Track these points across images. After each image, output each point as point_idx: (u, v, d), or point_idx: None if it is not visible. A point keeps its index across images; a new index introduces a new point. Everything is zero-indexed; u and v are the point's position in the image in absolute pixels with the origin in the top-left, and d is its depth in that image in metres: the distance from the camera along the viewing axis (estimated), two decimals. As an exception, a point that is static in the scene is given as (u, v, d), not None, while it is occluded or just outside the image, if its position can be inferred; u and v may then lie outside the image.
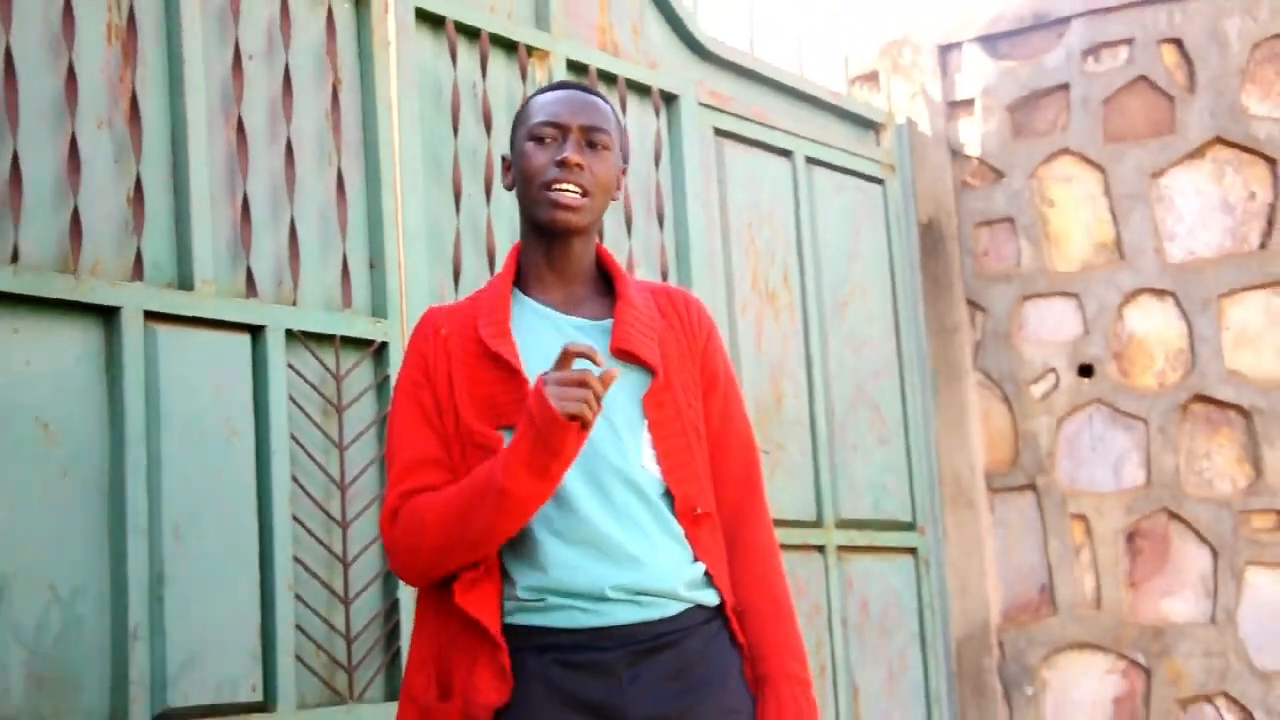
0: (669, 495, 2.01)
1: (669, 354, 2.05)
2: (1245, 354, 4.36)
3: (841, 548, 4.18)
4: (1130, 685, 4.37)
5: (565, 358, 1.82)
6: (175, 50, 2.69)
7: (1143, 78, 4.51)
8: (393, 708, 2.78)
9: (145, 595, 2.45)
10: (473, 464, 1.95)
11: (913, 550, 4.46)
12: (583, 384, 1.79)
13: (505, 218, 3.28)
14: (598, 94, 2.10)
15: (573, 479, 1.95)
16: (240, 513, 2.64)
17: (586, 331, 2.03)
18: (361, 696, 2.78)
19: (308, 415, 2.79)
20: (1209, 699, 4.29)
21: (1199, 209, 4.45)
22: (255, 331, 2.73)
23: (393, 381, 2.88)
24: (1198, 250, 4.43)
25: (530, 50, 3.42)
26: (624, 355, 2.01)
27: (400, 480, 1.98)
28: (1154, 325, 4.46)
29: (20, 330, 2.40)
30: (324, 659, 2.74)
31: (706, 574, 2.01)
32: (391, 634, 2.85)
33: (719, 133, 4.03)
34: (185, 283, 2.64)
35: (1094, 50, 4.58)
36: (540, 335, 2.02)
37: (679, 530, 2.00)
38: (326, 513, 2.79)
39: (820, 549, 4.10)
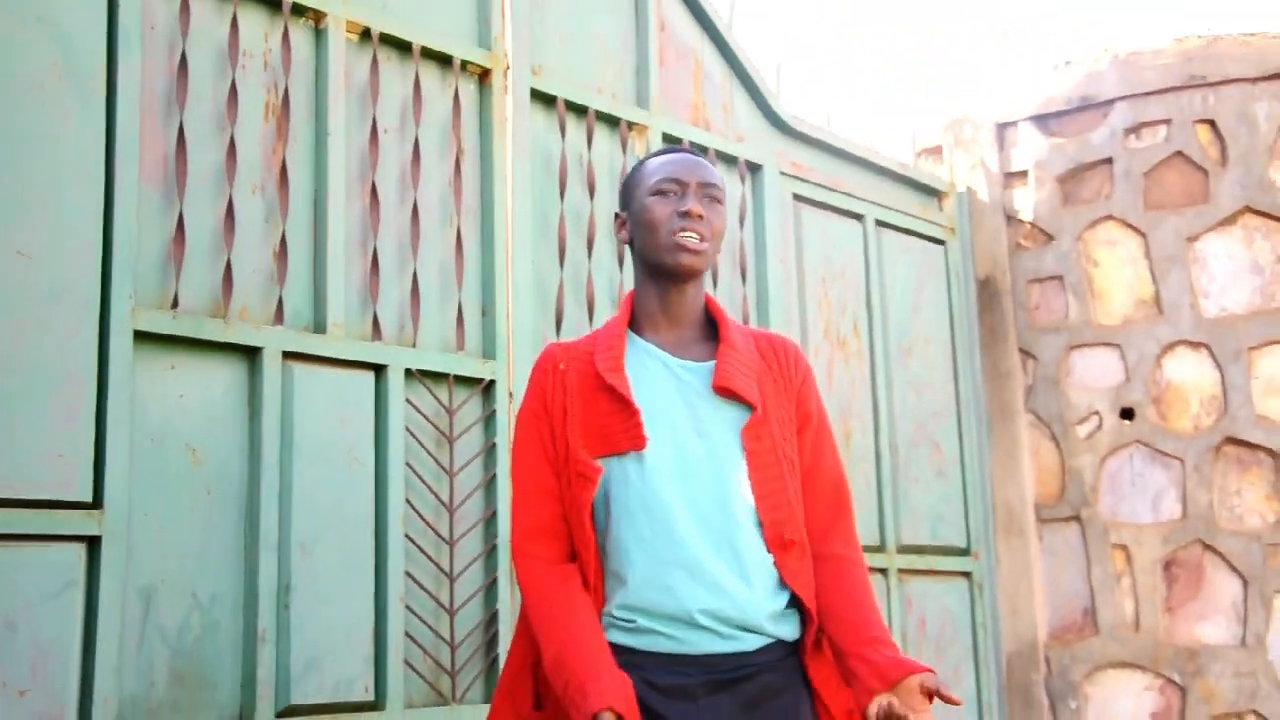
0: (760, 524, 1.91)
1: (766, 392, 1.97)
2: (1273, 401, 4.17)
3: (902, 570, 4.04)
4: (1167, 702, 4.18)
5: None
6: (321, 126, 2.68)
7: (1179, 153, 4.36)
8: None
9: (273, 603, 2.41)
10: (575, 490, 1.90)
11: (967, 574, 4.33)
12: None
13: (603, 271, 3.22)
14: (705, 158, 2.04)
15: (673, 503, 1.87)
16: (359, 532, 2.59)
17: (693, 371, 1.97)
18: (463, 699, 2.71)
19: (422, 445, 2.73)
20: (1239, 716, 4.07)
21: (1231, 270, 4.27)
22: (379, 370, 2.68)
23: (499, 416, 2.88)
24: (1230, 307, 4.26)
25: (631, 125, 3.35)
26: (724, 392, 1.94)
27: (522, 514, 1.95)
28: (1190, 374, 4.28)
29: (176, 367, 2.39)
30: (430, 664, 2.67)
31: (790, 604, 1.90)
32: (491, 642, 2.77)
33: (797, 198, 3.94)
34: (319, 326, 2.61)
35: (1135, 129, 4.43)
36: (650, 373, 1.96)
37: (769, 557, 1.90)
38: (436, 532, 2.72)
39: (883, 571, 3.98)
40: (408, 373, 2.72)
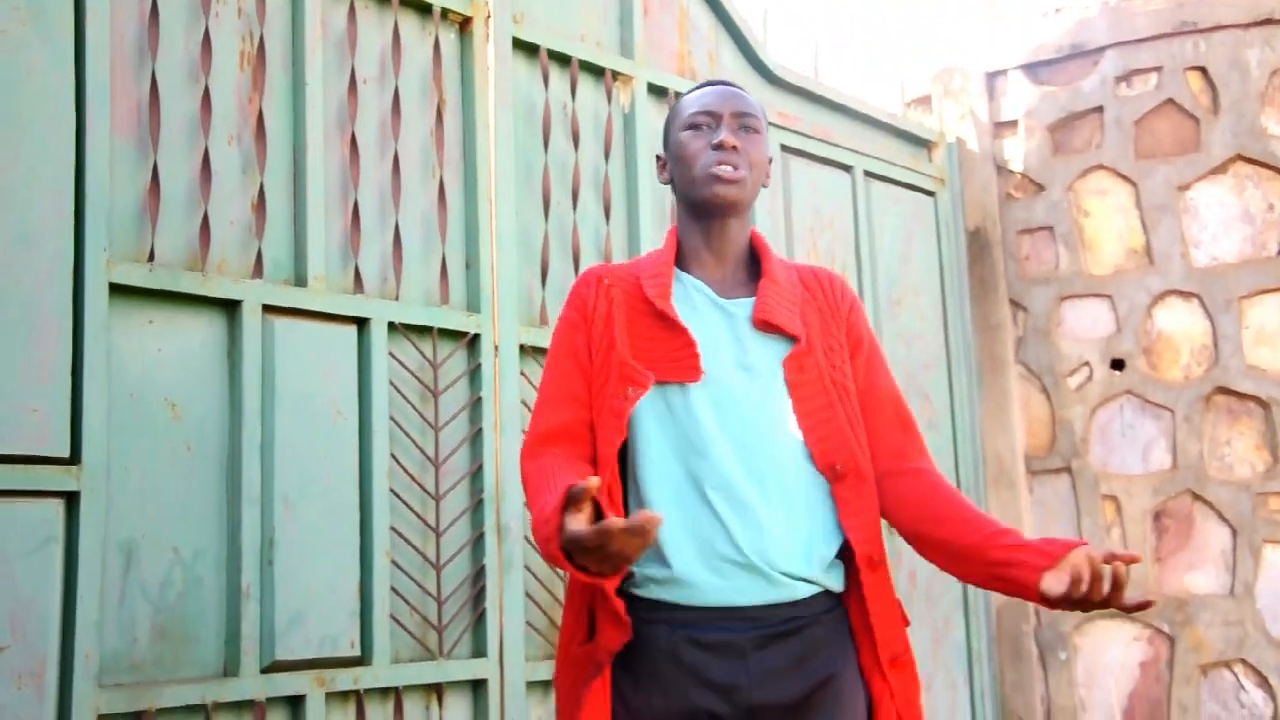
0: (810, 456, 1.84)
1: (810, 322, 1.92)
2: (1264, 350, 4.17)
3: None
4: (1155, 651, 4.20)
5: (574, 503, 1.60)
6: (299, 75, 2.64)
7: (1170, 101, 4.33)
8: (479, 664, 2.73)
9: (257, 559, 2.39)
10: (615, 393, 1.83)
11: None
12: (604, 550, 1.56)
13: (589, 223, 3.19)
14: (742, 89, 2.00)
15: (717, 439, 1.81)
16: (344, 486, 2.56)
17: (739, 307, 1.91)
18: (450, 654, 2.70)
19: (406, 399, 2.71)
20: (1228, 665, 4.09)
21: (1222, 219, 4.25)
22: (361, 323, 2.65)
23: (484, 370, 2.85)
24: (1220, 256, 4.24)
25: (615, 75, 3.31)
26: (765, 326, 1.89)
27: (541, 417, 1.88)
28: (1180, 324, 4.27)
29: (154, 321, 2.36)
30: (416, 619, 2.66)
31: (843, 548, 1.83)
32: (478, 596, 2.76)
33: (785, 149, 3.91)
34: (300, 279, 2.58)
35: (1126, 77, 4.40)
36: (696, 307, 1.91)
37: (821, 495, 1.83)
38: (422, 487, 2.71)
39: None
40: (391, 326, 2.69)
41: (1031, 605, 4.37)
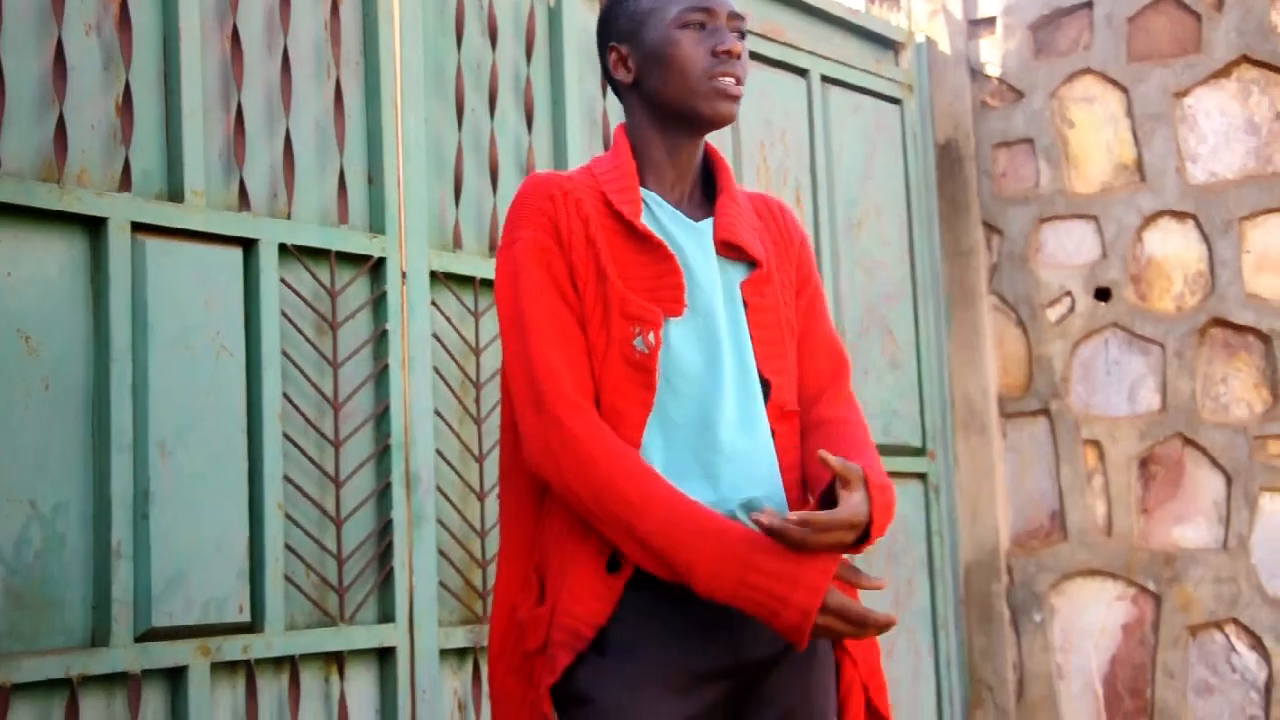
0: (765, 393, 1.93)
1: (768, 250, 2.00)
2: (1266, 277, 4.28)
3: None
4: (1140, 612, 4.34)
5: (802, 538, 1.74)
6: None
7: None
8: (385, 630, 2.76)
9: (129, 513, 2.40)
10: (616, 335, 1.85)
11: (922, 476, 4.44)
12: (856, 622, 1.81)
13: (508, 133, 3.21)
14: None
15: (706, 378, 1.88)
16: (229, 430, 2.57)
17: (706, 228, 1.95)
18: (353, 619, 2.72)
19: (300, 332, 2.72)
20: (1219, 626, 4.24)
21: (1223, 129, 4.35)
22: (247, 245, 2.65)
23: (389, 298, 2.86)
24: (1220, 172, 4.34)
25: (538, -39, 3.30)
26: (726, 248, 1.94)
27: (557, 366, 1.83)
28: (1173, 248, 4.38)
29: (2, 240, 2.33)
30: (314, 580, 2.69)
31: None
32: (385, 554, 2.79)
33: (732, 49, 3.92)
34: (175, 194, 2.57)
35: (1119, -33, 4.48)
36: (666, 228, 1.93)
37: (768, 430, 1.92)
38: (319, 431, 2.73)
39: None
40: (282, 248, 2.70)
41: (1003, 563, 4.49)
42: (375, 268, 2.86)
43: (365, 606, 2.75)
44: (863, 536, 1.78)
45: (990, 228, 4.61)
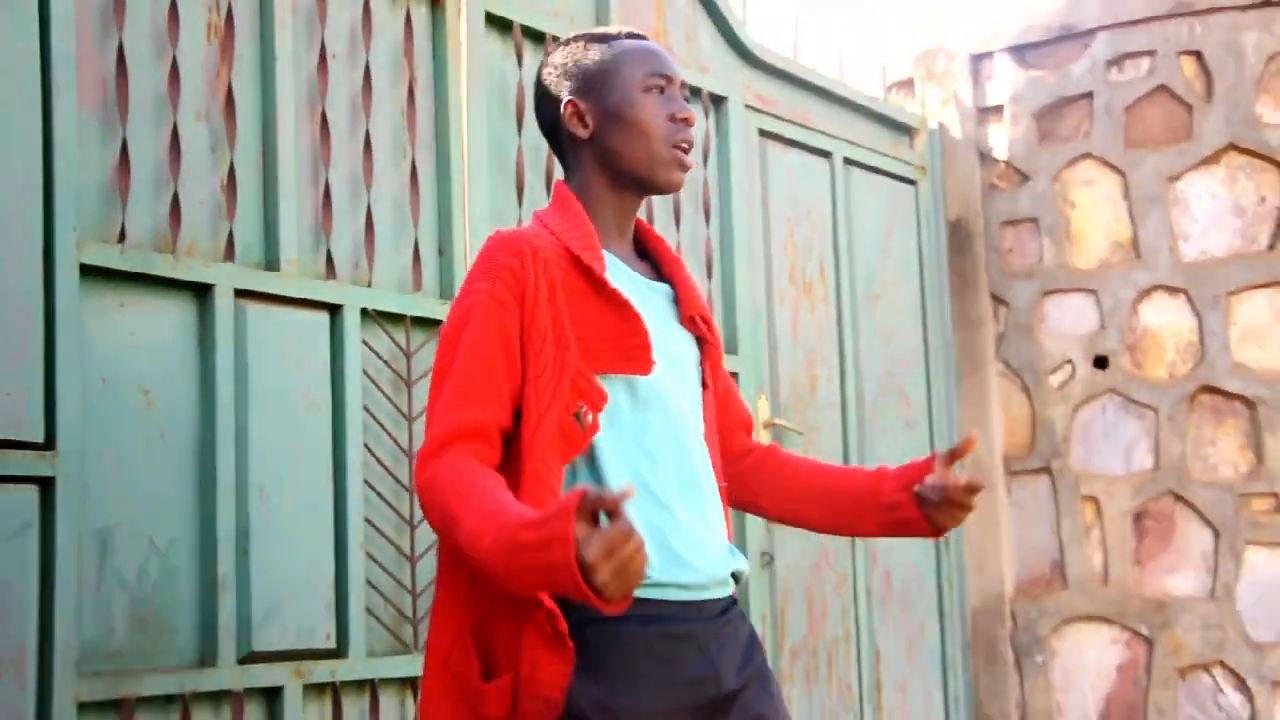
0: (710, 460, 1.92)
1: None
2: (1251, 348, 4.37)
3: None
4: (1133, 655, 4.39)
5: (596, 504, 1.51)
6: (268, 49, 2.73)
7: (1163, 87, 4.51)
8: None
9: (232, 549, 2.51)
10: (559, 402, 1.73)
11: None
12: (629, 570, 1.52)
13: None
14: None
15: (668, 438, 1.83)
16: (318, 477, 2.68)
17: (656, 290, 1.91)
18: (425, 647, 2.82)
19: (379, 388, 2.83)
20: (1206, 668, 4.30)
21: (1212, 211, 4.44)
22: (333, 310, 2.76)
23: None
24: (1209, 250, 4.43)
25: (590, 54, 3.44)
26: (692, 324, 1.94)
27: (455, 409, 1.70)
28: (1166, 320, 4.46)
29: (125, 304, 2.45)
30: (391, 612, 2.80)
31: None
32: (453, 590, 2.90)
33: (763, 134, 4.06)
34: (272, 263, 2.68)
35: (1117, 61, 4.57)
36: (623, 285, 1.85)
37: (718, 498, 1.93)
38: (396, 479, 2.83)
39: None
40: (363, 313, 2.80)
41: (1008, 609, 4.55)
42: (445, 331, 2.99)
43: (435, 637, 2.88)
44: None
45: (997, 300, 4.67)
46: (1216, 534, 4.32)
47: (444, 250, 3.02)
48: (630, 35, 1.93)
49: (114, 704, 2.32)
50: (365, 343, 2.81)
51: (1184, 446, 4.38)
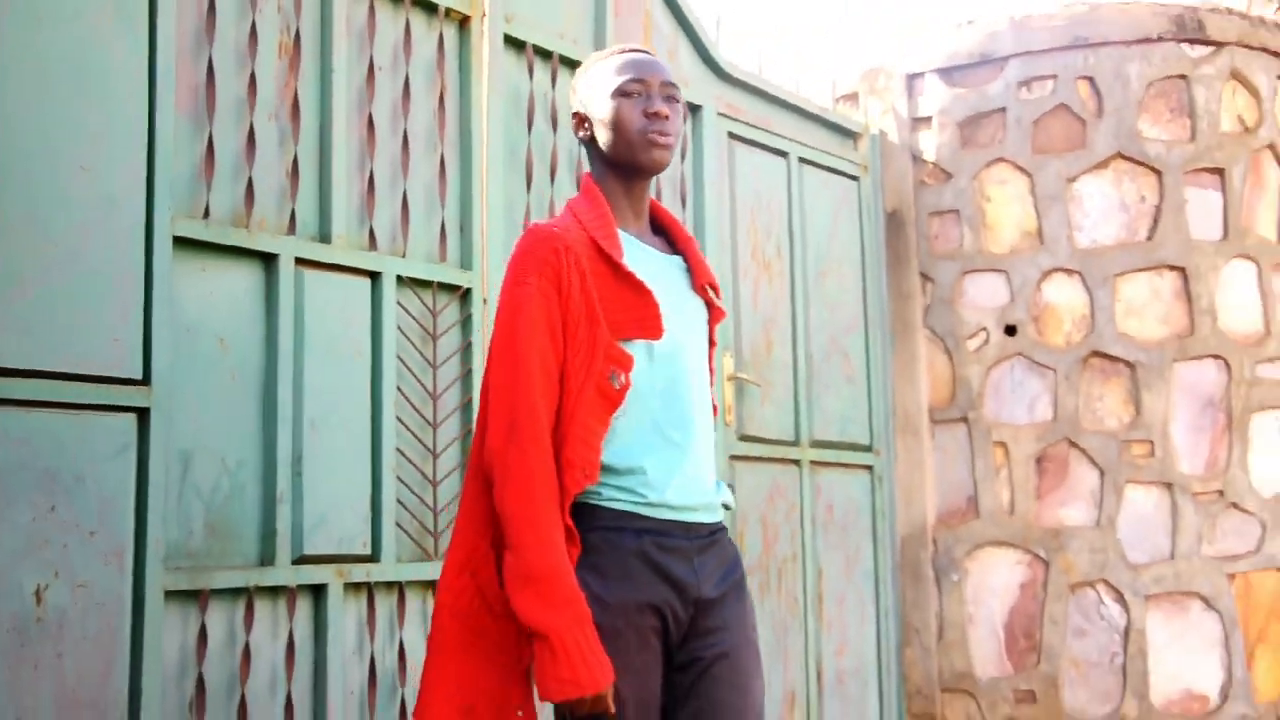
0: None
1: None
2: (1132, 321, 4.40)
3: (814, 463, 4.20)
4: (1033, 574, 4.42)
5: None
6: (326, 63, 2.77)
7: (1063, 105, 4.53)
8: None
9: (289, 470, 2.55)
10: (597, 371, 1.80)
11: (869, 467, 4.48)
12: None
13: (564, 196, 3.32)
14: None
15: (683, 390, 1.88)
16: (359, 413, 2.71)
17: (670, 262, 1.95)
18: (443, 555, 2.83)
19: (411, 341, 2.86)
20: (1092, 585, 4.34)
21: (1102, 208, 4.47)
22: (374, 276, 2.79)
23: (474, 318, 2.96)
24: (1100, 239, 4.46)
25: (589, 69, 3.49)
26: (704, 291, 1.97)
27: (534, 398, 1.77)
28: (1064, 296, 4.48)
29: (207, 269, 2.51)
30: (417, 525, 2.83)
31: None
32: (470, 507, 2.97)
33: (731, 136, 4.06)
34: (325, 237, 2.72)
35: (1027, 82, 4.59)
36: (644, 262, 1.91)
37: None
38: (422, 416, 2.87)
39: (797, 463, 4.14)
40: (399, 279, 2.82)
41: (930, 536, 4.54)
42: (464, 295, 2.99)
43: (455, 545, 2.94)
44: None
45: (925, 277, 4.66)
46: (1102, 474, 4.35)
47: (464, 229, 3.06)
48: (623, 50, 1.98)
49: (193, 594, 2.39)
50: (399, 304, 2.85)
51: (1077, 401, 4.40)
